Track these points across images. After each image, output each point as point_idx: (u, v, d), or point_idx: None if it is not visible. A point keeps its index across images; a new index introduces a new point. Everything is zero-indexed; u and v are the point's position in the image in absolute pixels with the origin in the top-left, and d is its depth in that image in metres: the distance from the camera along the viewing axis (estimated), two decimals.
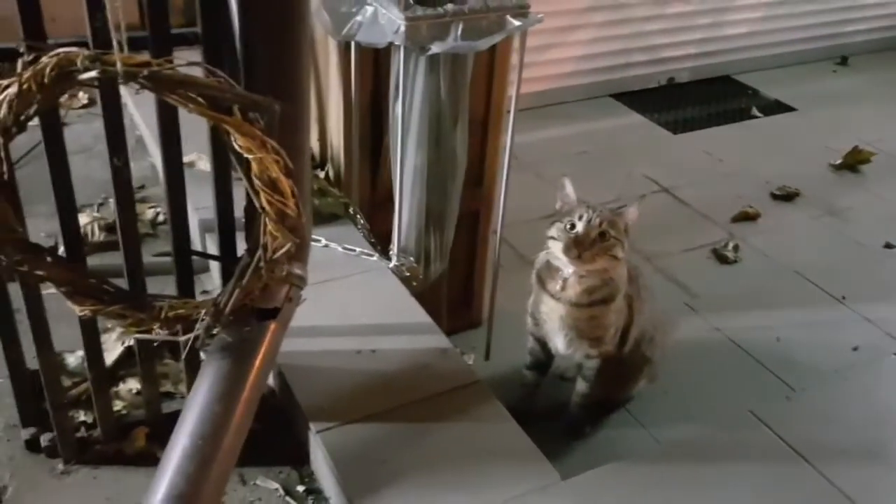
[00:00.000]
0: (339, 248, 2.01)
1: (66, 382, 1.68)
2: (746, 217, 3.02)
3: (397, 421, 1.59)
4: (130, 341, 1.72)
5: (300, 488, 1.59)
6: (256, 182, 1.16)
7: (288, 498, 1.57)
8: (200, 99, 1.08)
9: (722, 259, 2.79)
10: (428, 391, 1.65)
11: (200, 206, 1.96)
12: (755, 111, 3.90)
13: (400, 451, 1.52)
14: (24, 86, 1.07)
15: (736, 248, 2.82)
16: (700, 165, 3.40)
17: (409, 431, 1.57)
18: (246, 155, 1.12)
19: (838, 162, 3.42)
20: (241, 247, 1.35)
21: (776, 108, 3.96)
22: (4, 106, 1.08)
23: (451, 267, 2.22)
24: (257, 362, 1.32)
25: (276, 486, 1.59)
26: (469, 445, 1.55)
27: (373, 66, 1.96)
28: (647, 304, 1.94)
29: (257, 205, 1.17)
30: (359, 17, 1.77)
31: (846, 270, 2.73)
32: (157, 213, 2.37)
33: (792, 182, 3.22)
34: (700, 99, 3.99)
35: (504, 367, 2.17)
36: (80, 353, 1.57)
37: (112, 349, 1.77)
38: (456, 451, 1.53)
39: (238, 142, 1.11)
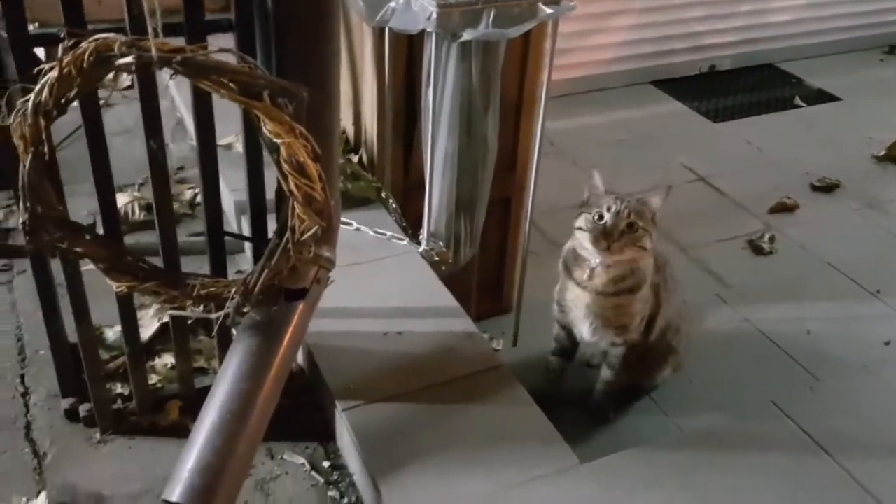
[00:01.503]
0: (371, 232, 2.04)
1: (105, 356, 1.74)
2: (784, 208, 2.98)
3: (421, 402, 1.62)
4: (166, 318, 1.77)
5: (326, 464, 1.64)
6: (285, 166, 1.19)
7: (314, 472, 1.62)
8: (232, 84, 1.12)
9: (757, 250, 2.76)
10: (452, 374, 1.68)
11: (237, 187, 2.00)
12: (798, 100, 3.84)
13: (422, 431, 1.56)
14: (65, 70, 1.11)
15: (772, 239, 2.80)
16: (739, 155, 3.36)
17: (432, 412, 1.60)
18: (275, 139, 1.16)
19: (881, 153, 3.36)
20: (273, 228, 1.38)
21: (820, 97, 3.89)
22: (46, 90, 1.13)
23: (483, 252, 2.24)
24: (285, 341, 1.36)
25: (303, 460, 1.64)
26: (490, 427, 1.57)
27: (407, 52, 1.98)
28: (674, 294, 1.95)
29: (285, 188, 1.21)
30: (392, 4, 1.80)
31: (883, 264, 2.68)
32: (196, 194, 2.42)
33: (833, 173, 3.17)
34: (742, 87, 3.94)
35: (532, 352, 2.18)
36: (119, 327, 1.62)
37: (149, 325, 1.83)
38: (477, 433, 1.56)
39: (267, 126, 1.15)
